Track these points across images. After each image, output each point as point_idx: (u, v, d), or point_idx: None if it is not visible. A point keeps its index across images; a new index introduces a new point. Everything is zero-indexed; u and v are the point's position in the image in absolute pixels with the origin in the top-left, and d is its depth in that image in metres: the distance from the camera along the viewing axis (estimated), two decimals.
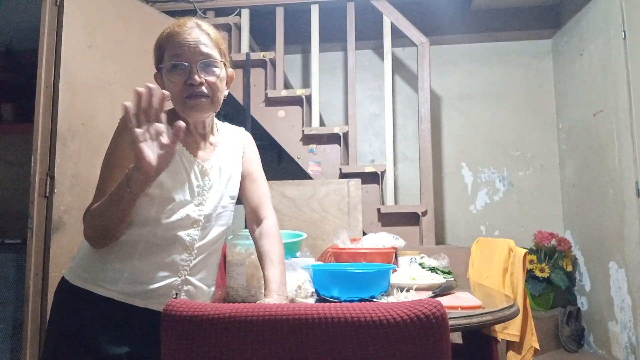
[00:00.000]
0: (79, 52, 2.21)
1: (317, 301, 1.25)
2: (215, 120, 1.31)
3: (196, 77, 1.13)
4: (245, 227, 1.38)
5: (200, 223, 1.19)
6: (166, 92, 0.98)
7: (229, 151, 1.30)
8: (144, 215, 1.13)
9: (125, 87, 2.41)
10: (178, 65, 1.14)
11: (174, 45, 1.15)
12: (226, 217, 1.27)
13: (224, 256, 1.48)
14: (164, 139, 0.96)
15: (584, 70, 3.26)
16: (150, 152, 0.96)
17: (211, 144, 1.26)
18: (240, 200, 1.35)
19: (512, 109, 3.79)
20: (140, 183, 0.99)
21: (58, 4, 2.16)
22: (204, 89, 1.15)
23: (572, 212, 3.50)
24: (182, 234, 1.16)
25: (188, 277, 1.19)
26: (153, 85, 0.97)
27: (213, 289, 1.30)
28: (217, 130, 1.31)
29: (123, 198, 1.02)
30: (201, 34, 1.16)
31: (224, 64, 1.20)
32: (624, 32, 2.73)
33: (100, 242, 1.12)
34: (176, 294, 1.18)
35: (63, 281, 1.18)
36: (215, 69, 1.17)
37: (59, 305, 1.16)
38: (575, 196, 3.44)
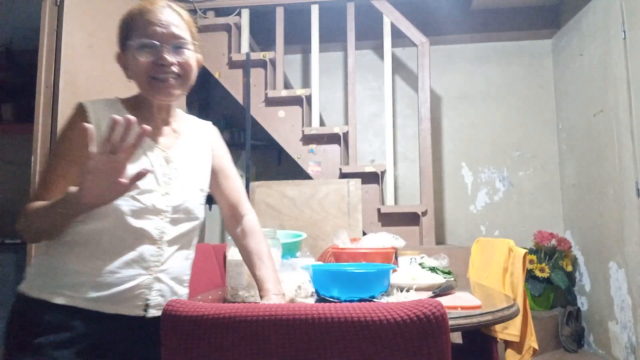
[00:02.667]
0: (79, 52, 2.21)
1: (317, 301, 1.25)
2: (179, 111, 1.25)
3: (167, 57, 1.07)
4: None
5: (168, 214, 1.11)
6: (147, 128, 0.90)
7: (196, 142, 1.23)
8: (104, 206, 1.00)
9: (125, 87, 2.41)
10: (148, 44, 1.08)
11: (145, 23, 1.08)
12: (197, 211, 1.18)
13: (224, 256, 1.47)
14: (122, 178, 0.89)
15: (584, 70, 3.26)
16: (99, 184, 0.89)
17: (174, 131, 1.19)
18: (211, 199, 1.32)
19: (512, 109, 3.79)
20: (78, 211, 0.95)
21: (58, 4, 2.16)
22: (174, 69, 1.09)
23: (572, 212, 3.50)
24: (148, 226, 1.07)
25: (159, 274, 1.10)
26: (133, 117, 0.89)
27: (187, 290, 1.22)
28: (182, 120, 1.25)
29: (60, 216, 0.96)
30: (173, 14, 1.12)
31: (194, 48, 1.14)
32: (624, 32, 2.73)
33: (33, 241, 1.09)
34: (147, 297, 1.08)
35: (18, 296, 1.05)
36: (186, 51, 1.11)
37: (14, 324, 1.03)
38: (575, 196, 3.44)
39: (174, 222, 1.12)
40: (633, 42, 2.66)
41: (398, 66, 3.85)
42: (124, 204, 1.04)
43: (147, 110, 1.15)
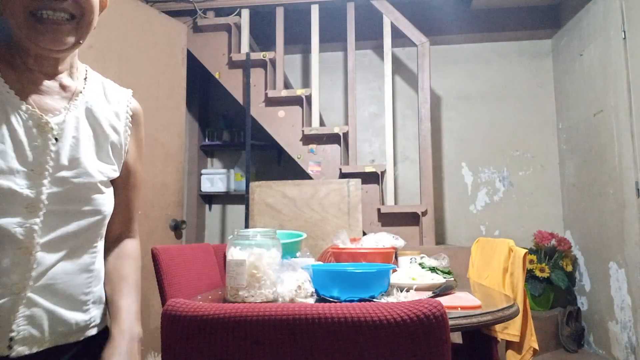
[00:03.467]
0: (79, 52, 2.21)
1: (317, 301, 1.25)
2: (84, 66, 0.94)
3: None
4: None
5: (42, 205, 0.78)
6: None
7: (105, 110, 0.91)
8: None
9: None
10: None
11: None
12: (98, 202, 0.86)
13: (224, 256, 1.46)
14: None
15: (584, 70, 3.26)
16: None
17: (65, 88, 0.87)
18: None
19: (512, 109, 3.79)
20: None
21: None
22: (66, 5, 0.79)
23: (572, 212, 3.50)
24: (7, 223, 0.75)
25: (30, 294, 0.77)
26: None
27: (91, 315, 0.87)
28: (86, 78, 0.92)
29: None
30: None
31: None
32: (624, 32, 2.73)
33: None
34: (11, 327, 0.76)
35: None
36: None
37: None
38: (575, 196, 3.44)
39: (56, 217, 0.80)
40: (633, 42, 2.66)
41: (398, 66, 3.85)
42: None
43: (20, 59, 0.82)
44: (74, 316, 0.82)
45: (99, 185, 0.86)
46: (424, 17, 3.72)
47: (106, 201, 0.88)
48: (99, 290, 0.89)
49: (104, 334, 0.90)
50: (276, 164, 3.87)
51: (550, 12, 3.73)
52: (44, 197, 0.78)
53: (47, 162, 0.79)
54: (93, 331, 0.88)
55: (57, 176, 0.80)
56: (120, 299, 0.90)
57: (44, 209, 0.78)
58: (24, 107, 0.79)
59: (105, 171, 0.88)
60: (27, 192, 0.77)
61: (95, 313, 0.88)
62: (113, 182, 0.92)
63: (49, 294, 0.79)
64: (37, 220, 0.78)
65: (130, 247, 1.00)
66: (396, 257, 1.76)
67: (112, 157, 0.90)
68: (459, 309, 1.14)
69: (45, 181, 0.79)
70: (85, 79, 0.91)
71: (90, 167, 0.85)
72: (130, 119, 0.96)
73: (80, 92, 0.88)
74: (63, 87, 0.86)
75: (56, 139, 0.81)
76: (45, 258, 0.79)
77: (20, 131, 0.78)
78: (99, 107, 0.90)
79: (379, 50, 3.73)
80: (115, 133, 0.91)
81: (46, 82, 0.84)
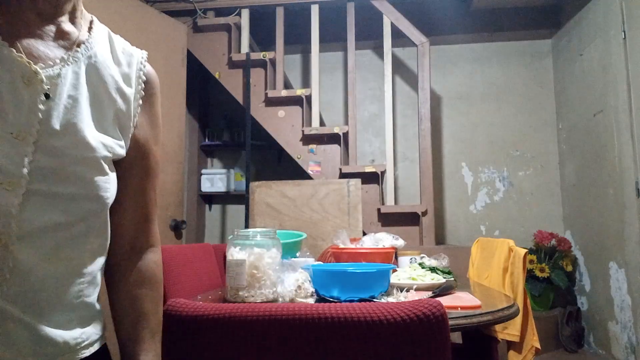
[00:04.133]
0: None
1: (317, 301, 1.25)
2: (92, 15, 0.75)
3: None
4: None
5: (24, 183, 0.58)
6: None
7: (111, 69, 0.71)
8: None
9: None
10: None
11: None
12: (97, 185, 0.65)
13: (224, 256, 1.46)
14: None
15: (584, 70, 3.26)
16: None
17: (65, 36, 0.66)
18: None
19: (512, 109, 3.79)
20: None
21: None
22: None
23: (572, 212, 3.50)
24: None
25: (4, 304, 0.57)
26: None
27: (90, 328, 0.68)
28: (91, 28, 0.72)
29: None
30: None
31: None
32: (624, 32, 2.73)
33: None
34: None
35: None
36: None
37: None
38: (575, 196, 3.44)
39: (41, 200, 0.60)
40: (633, 42, 2.66)
41: (398, 66, 3.85)
42: None
43: None
44: (62, 333, 0.63)
45: (102, 162, 0.66)
46: (424, 17, 3.71)
47: (109, 186, 0.67)
48: (93, 299, 0.70)
49: (101, 355, 0.72)
50: (276, 164, 3.87)
51: (550, 12, 3.73)
52: (25, 171, 0.58)
53: (32, 125, 0.59)
54: (87, 352, 0.68)
55: (45, 144, 0.60)
56: (141, 353, 0.72)
57: (24, 188, 0.58)
58: (6, 50, 0.59)
59: (110, 145, 0.68)
60: (3, 161, 0.56)
61: (89, 329, 0.68)
62: (119, 166, 0.72)
63: (29, 303, 0.59)
64: (15, 201, 0.57)
65: (154, 268, 0.79)
66: (396, 257, 1.76)
67: (117, 129, 0.70)
68: (459, 309, 1.14)
69: (29, 150, 0.58)
70: (90, 29, 0.71)
71: (90, 137, 0.64)
72: (143, 86, 0.76)
73: (83, 43, 0.68)
74: (61, 33, 0.66)
75: (47, 96, 0.60)
76: (25, 255, 0.58)
77: (1, 82, 0.58)
78: (105, 65, 0.70)
79: (379, 50, 3.73)
80: (122, 100, 0.71)
81: (40, 25, 0.64)
